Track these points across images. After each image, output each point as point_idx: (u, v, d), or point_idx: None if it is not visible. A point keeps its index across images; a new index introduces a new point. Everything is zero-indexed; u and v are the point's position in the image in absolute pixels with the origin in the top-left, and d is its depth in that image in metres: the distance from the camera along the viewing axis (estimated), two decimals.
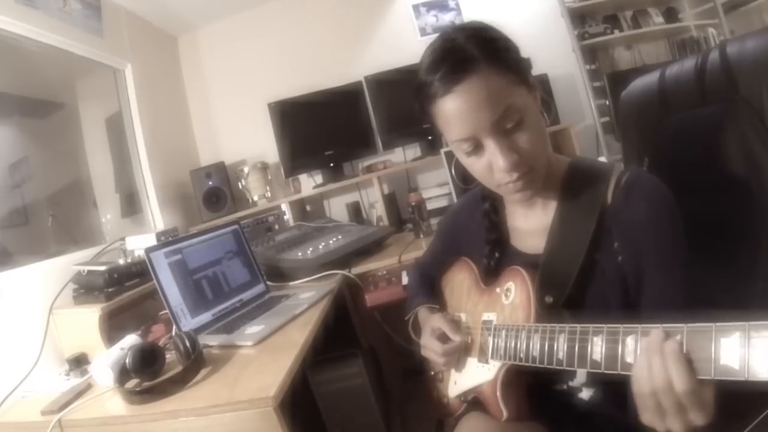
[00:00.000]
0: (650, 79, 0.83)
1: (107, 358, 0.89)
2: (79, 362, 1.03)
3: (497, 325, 0.66)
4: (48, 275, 1.17)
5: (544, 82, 1.98)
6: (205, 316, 1.10)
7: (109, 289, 1.14)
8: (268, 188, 2.10)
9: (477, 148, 0.60)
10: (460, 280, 0.81)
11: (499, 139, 0.58)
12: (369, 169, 2.07)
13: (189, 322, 1.06)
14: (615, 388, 0.56)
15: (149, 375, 0.86)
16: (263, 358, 0.86)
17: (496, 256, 0.74)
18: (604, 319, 0.51)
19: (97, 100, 1.84)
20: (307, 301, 1.12)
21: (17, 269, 1.15)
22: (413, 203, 1.68)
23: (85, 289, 1.17)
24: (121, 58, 1.82)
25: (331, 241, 1.55)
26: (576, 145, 1.92)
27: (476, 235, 0.79)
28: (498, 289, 0.69)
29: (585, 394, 0.68)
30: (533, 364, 0.58)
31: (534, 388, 0.68)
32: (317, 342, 0.97)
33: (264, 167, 2.10)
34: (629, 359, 0.47)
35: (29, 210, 1.48)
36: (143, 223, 1.85)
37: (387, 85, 2.07)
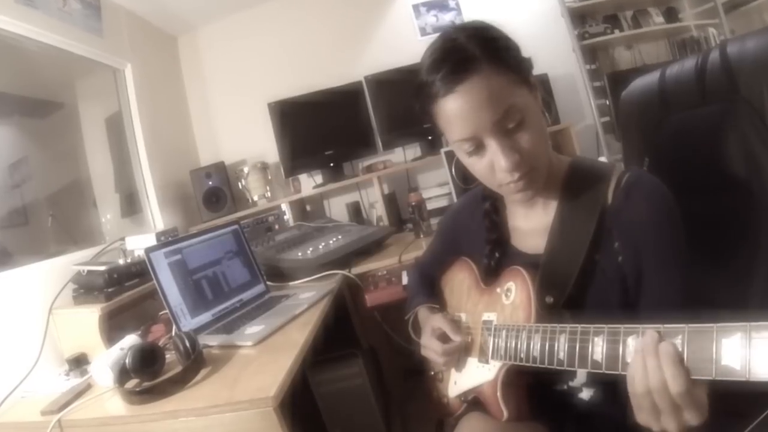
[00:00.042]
0: (650, 79, 0.83)
1: (107, 359, 0.89)
2: (78, 362, 1.03)
3: (497, 325, 0.66)
4: (48, 275, 1.17)
5: (544, 81, 1.98)
6: (205, 316, 1.10)
7: (109, 289, 1.14)
8: (268, 188, 2.10)
9: (478, 148, 0.60)
10: (460, 280, 0.81)
11: (501, 139, 0.58)
12: (369, 169, 2.07)
13: (189, 322, 1.06)
14: (615, 389, 0.56)
15: (149, 375, 0.85)
16: (263, 358, 0.86)
17: (496, 256, 0.74)
18: (604, 320, 0.51)
19: (96, 100, 1.84)
20: (307, 301, 1.12)
21: (17, 269, 1.15)
22: (413, 203, 1.68)
23: (85, 289, 1.17)
24: (120, 57, 1.82)
25: (331, 241, 1.55)
26: (576, 144, 1.92)
27: (476, 234, 0.78)
28: (498, 289, 0.69)
29: (585, 394, 0.68)
30: (534, 365, 0.58)
31: (534, 388, 0.68)
32: (317, 342, 0.97)
33: (264, 167, 2.10)
34: (630, 360, 0.47)
35: (29, 210, 1.48)
36: (143, 223, 1.85)
37: (387, 85, 2.07)
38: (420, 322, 0.84)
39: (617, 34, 2.22)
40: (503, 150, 0.58)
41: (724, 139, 0.68)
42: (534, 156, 0.60)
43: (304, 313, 1.06)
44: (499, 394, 0.65)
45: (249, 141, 2.25)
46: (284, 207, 1.98)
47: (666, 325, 0.45)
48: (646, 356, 0.45)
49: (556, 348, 0.55)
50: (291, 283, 1.38)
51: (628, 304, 0.61)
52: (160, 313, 1.22)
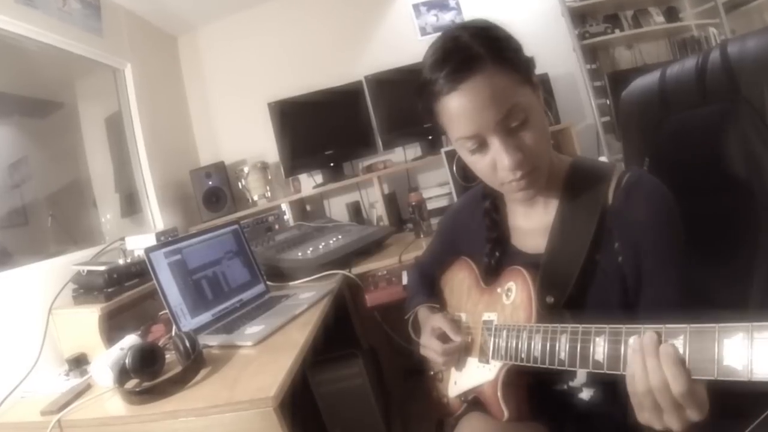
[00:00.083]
0: (651, 78, 0.83)
1: (107, 359, 0.88)
2: (78, 362, 1.02)
3: (498, 325, 0.66)
4: (47, 275, 1.17)
5: (544, 81, 1.98)
6: (205, 316, 1.10)
7: (109, 289, 1.14)
8: (268, 188, 2.10)
9: (481, 146, 0.60)
10: (460, 280, 0.81)
11: (504, 137, 0.58)
12: (369, 169, 2.07)
13: (189, 322, 1.06)
14: (615, 389, 0.56)
15: (149, 375, 0.85)
16: (263, 359, 0.86)
17: (496, 255, 0.74)
18: (605, 320, 0.51)
19: (96, 100, 1.84)
20: (307, 301, 1.12)
21: (17, 269, 1.15)
22: (413, 203, 1.67)
23: (85, 289, 1.17)
24: (120, 57, 1.81)
25: (331, 241, 1.55)
26: (576, 144, 1.92)
27: (477, 234, 0.78)
28: (499, 289, 0.69)
29: (585, 394, 0.68)
30: (534, 365, 0.58)
31: (534, 388, 0.68)
32: (317, 342, 0.97)
33: (264, 167, 2.10)
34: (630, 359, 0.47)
35: (29, 210, 1.48)
36: (143, 223, 1.85)
37: (387, 85, 2.07)
38: (420, 321, 0.84)
39: (618, 33, 2.22)
40: (506, 148, 0.58)
41: (724, 139, 0.68)
42: (536, 155, 0.60)
43: (304, 313, 1.06)
44: (499, 394, 0.64)
45: (249, 141, 2.25)
46: (284, 207, 1.98)
47: (668, 325, 0.45)
48: (646, 356, 0.45)
49: (557, 348, 0.55)
50: (291, 283, 1.38)
51: (629, 304, 0.61)
52: (160, 313, 1.22)
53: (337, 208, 2.20)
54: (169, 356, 0.93)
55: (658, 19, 2.26)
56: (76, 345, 1.09)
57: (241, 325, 1.05)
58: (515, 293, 0.65)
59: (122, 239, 1.35)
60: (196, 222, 2.01)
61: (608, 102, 2.09)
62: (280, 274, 1.40)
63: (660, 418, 0.46)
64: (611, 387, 0.60)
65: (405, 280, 1.20)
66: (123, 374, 0.85)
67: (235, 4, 2.19)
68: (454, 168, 1.68)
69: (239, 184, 2.09)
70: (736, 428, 0.46)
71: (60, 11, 1.48)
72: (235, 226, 1.34)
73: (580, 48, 2.12)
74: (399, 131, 2.09)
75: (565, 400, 0.69)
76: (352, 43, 2.26)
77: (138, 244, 1.30)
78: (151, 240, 1.24)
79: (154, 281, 1.04)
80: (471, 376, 0.71)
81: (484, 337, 0.69)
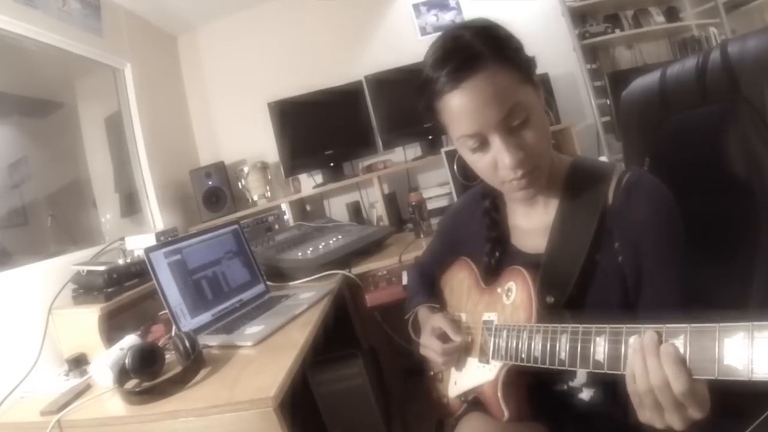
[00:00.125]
0: (651, 78, 0.83)
1: (107, 359, 0.88)
2: (78, 362, 1.02)
3: (498, 325, 0.66)
4: (47, 275, 1.17)
5: (545, 81, 1.98)
6: (205, 317, 1.10)
7: (109, 290, 1.14)
8: (268, 188, 2.10)
9: (482, 144, 0.60)
10: (460, 280, 0.81)
11: (506, 136, 0.58)
12: (369, 169, 2.07)
13: (189, 323, 1.06)
14: (615, 389, 0.56)
15: (149, 375, 0.85)
16: (263, 359, 0.86)
17: (496, 254, 0.74)
18: (605, 320, 0.51)
19: (96, 100, 1.84)
20: (307, 301, 1.12)
21: (16, 269, 1.15)
22: (413, 203, 1.67)
23: (85, 289, 1.17)
24: (120, 57, 1.81)
25: (331, 241, 1.54)
26: (577, 144, 1.92)
27: (477, 234, 0.78)
28: (499, 289, 0.69)
29: (585, 394, 0.68)
30: (535, 365, 0.58)
31: (534, 388, 0.68)
32: (317, 342, 0.97)
33: (264, 167, 2.10)
34: (629, 358, 0.47)
35: (28, 210, 1.48)
36: (143, 223, 1.85)
37: (387, 85, 2.07)
38: (420, 321, 0.84)
39: (618, 33, 2.22)
40: (507, 147, 0.58)
41: (724, 139, 0.68)
42: (537, 154, 0.60)
43: (304, 313, 1.06)
44: (499, 394, 0.64)
45: (249, 141, 2.24)
46: (284, 207, 1.98)
47: (668, 325, 0.45)
48: (647, 356, 0.45)
49: (557, 348, 0.55)
50: (291, 283, 1.38)
51: (629, 304, 0.61)
52: (160, 313, 1.22)
53: (337, 208, 2.20)
54: (169, 356, 0.93)
55: (658, 19, 2.26)
56: (75, 345, 1.09)
57: (241, 325, 1.05)
58: (515, 293, 0.65)
59: (122, 239, 1.35)
60: (196, 222, 2.01)
61: (608, 102, 2.09)
62: (280, 274, 1.40)
63: (661, 417, 0.46)
64: (611, 387, 0.60)
65: (405, 280, 1.20)
66: (123, 374, 0.85)
67: (235, 4, 2.19)
68: (455, 167, 1.68)
69: (239, 184, 2.09)
70: (736, 428, 0.46)
71: (60, 11, 1.48)
72: (235, 226, 1.34)
73: (580, 48, 2.12)
74: (399, 131, 2.09)
75: (565, 401, 0.69)
76: (352, 43, 2.26)
77: (138, 244, 1.30)
78: (150, 240, 1.24)
79: (154, 281, 1.04)
80: (471, 377, 0.71)
81: (484, 337, 0.69)
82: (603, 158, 1.88)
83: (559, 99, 2.06)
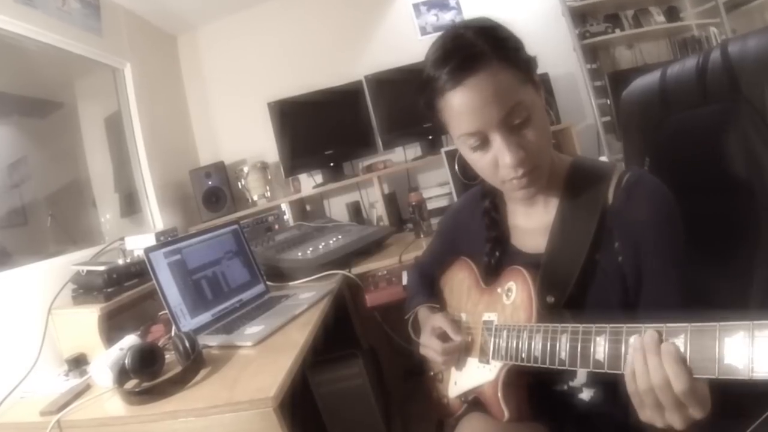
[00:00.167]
0: (651, 78, 0.82)
1: (106, 359, 0.88)
2: (78, 363, 1.02)
3: (498, 326, 0.66)
4: (47, 275, 1.17)
5: (545, 81, 1.98)
6: (205, 317, 1.10)
7: (109, 290, 1.14)
8: (267, 188, 2.10)
9: (483, 143, 0.60)
10: (460, 280, 0.81)
11: (507, 135, 0.58)
12: (369, 169, 2.07)
13: (188, 323, 1.06)
14: (615, 389, 0.56)
15: (148, 375, 0.85)
16: (263, 359, 0.86)
17: (496, 254, 0.74)
18: (605, 319, 0.51)
19: (96, 100, 1.84)
20: (307, 301, 1.12)
21: (16, 269, 1.15)
22: (413, 203, 1.67)
23: (84, 289, 1.17)
24: (120, 57, 1.81)
25: (331, 241, 1.54)
26: (577, 144, 1.92)
27: (476, 234, 0.78)
28: (499, 289, 0.69)
29: (585, 394, 0.68)
30: (535, 365, 0.58)
31: (534, 388, 0.68)
32: (317, 342, 0.97)
33: (264, 167, 2.10)
34: (629, 357, 0.47)
35: (28, 210, 1.48)
36: (142, 223, 1.85)
37: (387, 85, 2.07)
38: (420, 321, 0.84)
39: (618, 33, 2.22)
40: (508, 146, 0.58)
41: (725, 139, 0.67)
42: (538, 153, 0.60)
43: (304, 313, 1.06)
44: (500, 394, 0.64)
45: (249, 141, 2.24)
46: (284, 207, 1.98)
47: (668, 324, 0.45)
48: (647, 355, 0.45)
49: (557, 348, 0.55)
50: (291, 283, 1.38)
51: (629, 304, 0.61)
52: (160, 313, 1.22)
53: (337, 208, 2.19)
54: (169, 356, 0.93)
55: (658, 19, 2.25)
56: (75, 345, 1.08)
57: (240, 325, 1.05)
58: (515, 293, 0.65)
59: (122, 239, 1.35)
60: (196, 222, 2.01)
61: (609, 102, 2.09)
62: (280, 274, 1.40)
63: (662, 416, 0.46)
64: (611, 387, 0.60)
65: (405, 280, 1.20)
66: (122, 374, 0.85)
67: (235, 3, 2.19)
68: (456, 166, 1.68)
69: (239, 184, 2.09)
70: (737, 428, 0.46)
71: (59, 11, 1.48)
72: (235, 226, 1.34)
73: (580, 48, 2.12)
74: (399, 131, 2.09)
75: (565, 401, 0.69)
76: (352, 43, 2.26)
77: (137, 244, 1.30)
78: (150, 240, 1.24)
79: (154, 281, 1.04)
80: (471, 377, 0.71)
81: (484, 337, 0.69)
82: (603, 158, 1.88)
83: (560, 99, 2.06)
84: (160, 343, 1.04)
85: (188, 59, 2.32)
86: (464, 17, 2.25)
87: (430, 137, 2.07)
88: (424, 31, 2.25)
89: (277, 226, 1.81)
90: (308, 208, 2.21)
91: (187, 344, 0.86)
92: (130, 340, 0.96)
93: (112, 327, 1.13)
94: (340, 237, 1.59)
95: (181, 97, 2.29)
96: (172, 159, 2.04)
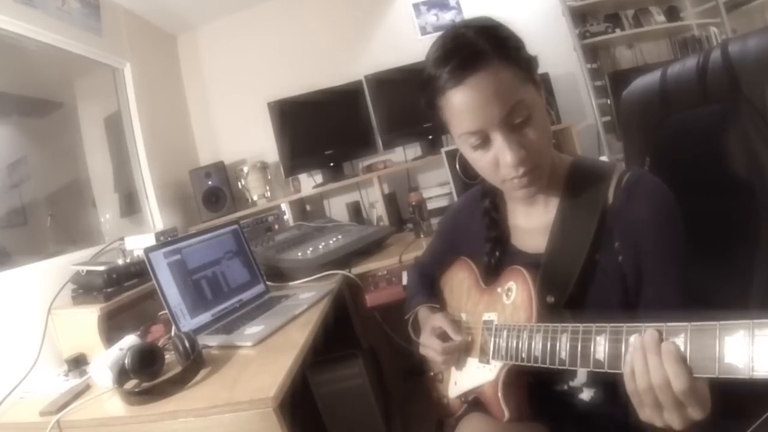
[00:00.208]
0: (652, 78, 0.82)
1: (106, 359, 0.88)
2: (77, 363, 1.02)
3: (498, 325, 0.66)
4: (47, 275, 1.17)
5: (545, 81, 1.98)
6: (205, 317, 1.10)
7: (108, 290, 1.14)
8: (267, 188, 2.10)
9: (484, 142, 0.60)
10: (460, 280, 0.81)
11: (508, 134, 0.58)
12: (369, 169, 2.07)
13: (188, 323, 1.06)
14: (615, 389, 0.56)
15: (148, 376, 0.85)
16: (263, 359, 0.86)
17: (496, 254, 0.73)
18: (605, 319, 0.51)
19: (95, 100, 1.84)
20: (307, 301, 1.12)
21: (16, 269, 1.15)
22: (413, 203, 1.67)
23: (84, 289, 1.17)
24: (120, 57, 1.81)
25: (331, 241, 1.54)
26: (577, 144, 1.92)
27: (476, 234, 0.78)
28: (499, 289, 0.69)
29: (586, 394, 0.68)
30: (535, 364, 0.58)
31: (534, 388, 0.68)
32: (317, 342, 0.97)
33: (264, 167, 2.10)
34: (629, 356, 0.47)
35: (28, 210, 1.48)
36: (142, 223, 1.85)
37: (387, 85, 2.07)
38: (420, 322, 0.84)
39: (618, 33, 2.21)
40: (509, 145, 0.58)
41: (725, 139, 0.67)
42: (539, 153, 0.60)
43: (304, 313, 1.06)
44: (500, 394, 0.64)
45: (248, 141, 2.24)
46: (284, 207, 1.98)
47: (668, 324, 0.45)
48: (647, 354, 0.45)
49: (557, 348, 0.55)
50: (291, 283, 1.38)
51: (629, 304, 0.61)
52: (160, 313, 1.22)
53: (337, 208, 2.19)
54: (169, 357, 0.93)
55: (659, 19, 2.25)
56: (75, 345, 1.08)
57: (240, 325, 1.05)
58: (515, 293, 0.65)
59: (121, 239, 1.35)
60: (196, 222, 2.01)
61: (609, 101, 2.09)
62: (280, 274, 1.40)
63: (660, 416, 0.46)
64: (612, 387, 0.60)
65: (405, 280, 1.20)
66: (122, 375, 0.85)
67: (235, 3, 2.19)
68: (457, 165, 1.68)
69: (239, 184, 2.09)
70: (737, 428, 0.46)
71: (59, 10, 1.48)
72: (235, 226, 1.34)
73: (580, 47, 2.12)
74: (399, 131, 2.08)
75: (565, 401, 0.69)
76: (352, 43, 2.26)
77: (137, 244, 1.30)
78: (150, 240, 1.24)
79: (154, 281, 1.04)
80: (471, 377, 0.71)
81: (484, 337, 0.69)
82: (603, 158, 1.88)
83: (560, 99, 2.06)
84: (160, 343, 1.04)
85: (188, 59, 2.32)
86: (464, 17, 2.25)
87: (430, 137, 2.07)
88: (424, 30, 2.25)
89: (277, 226, 1.81)
90: (308, 208, 2.21)
91: (187, 344, 0.86)
92: (130, 340, 0.96)
93: (112, 327, 1.13)
94: (340, 237, 1.59)
95: (181, 97, 2.29)
96: (172, 159, 2.04)
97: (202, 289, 1.14)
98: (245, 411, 0.70)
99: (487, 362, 0.67)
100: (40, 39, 1.43)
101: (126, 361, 0.84)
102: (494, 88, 0.56)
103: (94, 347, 1.07)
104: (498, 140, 0.58)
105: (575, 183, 0.67)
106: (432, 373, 0.84)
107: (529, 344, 0.59)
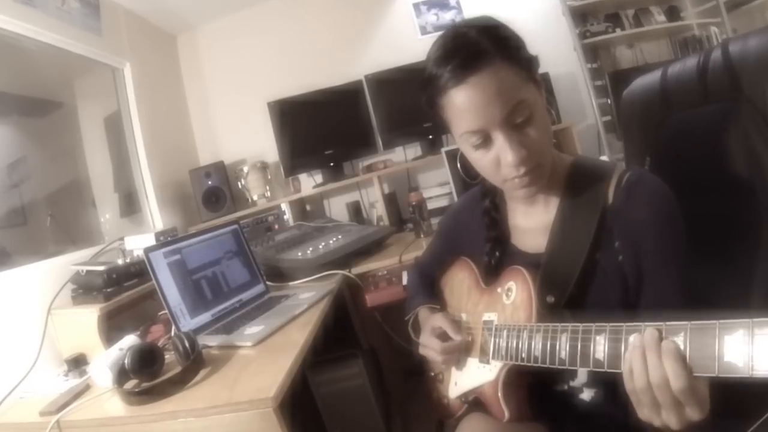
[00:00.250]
0: (652, 78, 0.82)
1: (106, 359, 0.88)
2: (77, 363, 1.02)
3: (498, 325, 0.66)
4: (46, 275, 1.17)
5: (545, 80, 1.97)
6: (205, 317, 1.10)
7: (108, 290, 1.14)
8: (267, 188, 2.10)
9: (485, 141, 0.60)
10: (460, 280, 0.81)
11: (509, 133, 0.58)
12: (369, 169, 2.07)
13: (188, 323, 1.06)
14: (616, 389, 0.56)
15: (148, 376, 0.85)
16: (263, 359, 0.86)
17: (496, 254, 0.73)
18: (605, 319, 0.51)
19: (95, 100, 1.84)
20: (307, 301, 1.12)
21: (16, 269, 1.15)
22: (414, 203, 1.67)
23: (84, 289, 1.17)
24: (119, 57, 1.81)
25: (331, 241, 1.54)
26: (577, 144, 1.92)
27: (477, 234, 0.78)
28: (499, 289, 0.69)
29: (586, 394, 0.68)
30: (535, 364, 0.58)
31: (535, 388, 0.68)
32: (317, 342, 0.97)
33: (264, 167, 2.10)
34: (628, 355, 0.47)
35: (27, 210, 1.48)
36: (142, 222, 1.85)
37: (387, 84, 2.07)
38: (420, 322, 0.84)
39: (619, 32, 2.21)
40: (511, 144, 0.58)
41: (725, 139, 0.67)
42: (540, 152, 0.60)
43: (304, 313, 1.06)
44: (500, 394, 0.64)
45: (248, 140, 2.24)
46: (284, 207, 1.98)
47: (668, 323, 0.45)
48: (647, 352, 0.45)
49: (557, 347, 0.55)
50: (291, 283, 1.38)
51: (629, 304, 0.61)
52: (160, 313, 1.22)
53: (337, 208, 2.19)
54: (169, 357, 0.93)
55: (659, 18, 2.25)
56: (75, 345, 1.08)
57: (240, 325, 1.05)
58: (515, 293, 0.65)
59: (121, 239, 1.35)
60: (196, 222, 2.01)
61: (609, 101, 2.09)
62: (279, 274, 1.40)
63: (659, 415, 0.46)
64: (612, 387, 0.60)
65: (405, 280, 1.20)
66: (122, 375, 0.85)
67: (235, 3, 2.19)
68: (458, 165, 1.67)
69: (239, 183, 2.08)
70: (737, 428, 0.46)
71: (59, 10, 1.48)
72: (235, 226, 1.34)
73: (581, 47, 2.12)
74: (399, 131, 2.08)
75: (565, 401, 0.69)
76: (352, 43, 2.26)
77: (137, 244, 1.30)
78: (150, 240, 1.24)
79: (154, 281, 1.04)
80: (471, 377, 0.71)
81: (484, 337, 0.69)
82: (604, 158, 1.88)
83: (560, 98, 2.06)
84: (160, 343, 1.04)
85: (188, 59, 2.32)
86: (464, 17, 2.24)
87: (431, 137, 2.07)
88: (424, 30, 2.25)
89: (277, 226, 1.81)
90: (308, 208, 2.21)
91: (187, 344, 0.86)
92: (130, 340, 0.96)
93: (111, 327, 1.13)
94: (340, 237, 1.59)
95: (181, 96, 2.29)
96: (172, 159, 2.04)
97: (202, 289, 1.13)
98: (245, 411, 0.70)
99: (487, 362, 0.67)
100: (40, 39, 1.43)
101: (126, 361, 0.84)
102: (496, 88, 0.56)
103: (93, 347, 1.07)
104: (499, 140, 0.58)
105: (575, 183, 0.67)
106: (432, 374, 0.84)
107: (529, 344, 0.59)
